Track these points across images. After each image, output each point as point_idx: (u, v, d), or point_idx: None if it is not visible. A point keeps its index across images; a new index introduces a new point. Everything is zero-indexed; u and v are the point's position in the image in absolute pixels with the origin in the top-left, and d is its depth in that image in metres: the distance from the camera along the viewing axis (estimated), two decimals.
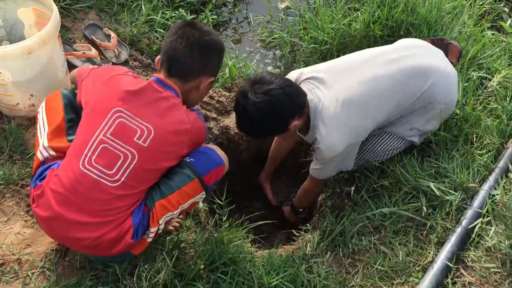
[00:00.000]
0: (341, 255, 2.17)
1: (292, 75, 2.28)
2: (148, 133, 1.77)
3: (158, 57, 1.95)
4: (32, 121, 2.57)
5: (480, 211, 2.07)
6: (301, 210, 2.67)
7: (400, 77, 2.17)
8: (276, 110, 2.03)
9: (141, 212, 1.83)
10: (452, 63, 2.67)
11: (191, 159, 1.86)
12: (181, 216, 2.23)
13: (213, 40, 1.91)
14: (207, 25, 2.03)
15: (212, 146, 1.99)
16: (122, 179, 1.76)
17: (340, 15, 3.10)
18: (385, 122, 2.26)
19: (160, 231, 1.90)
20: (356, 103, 2.11)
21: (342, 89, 2.13)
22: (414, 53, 2.27)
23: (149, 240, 1.89)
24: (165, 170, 1.86)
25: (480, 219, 2.05)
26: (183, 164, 1.86)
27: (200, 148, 1.92)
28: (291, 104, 2.05)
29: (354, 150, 2.22)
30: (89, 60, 2.89)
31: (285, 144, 2.70)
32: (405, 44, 2.37)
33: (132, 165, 1.76)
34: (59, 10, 2.45)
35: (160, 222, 1.84)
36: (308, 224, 2.46)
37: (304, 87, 2.18)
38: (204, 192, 1.89)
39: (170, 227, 2.14)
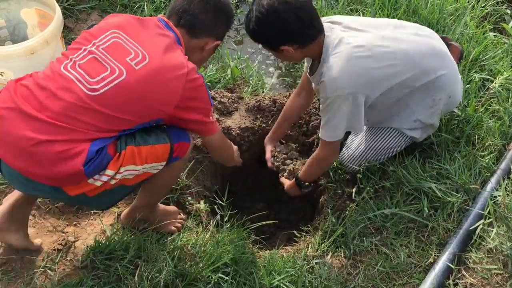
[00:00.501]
0: (342, 256, 2.16)
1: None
2: (142, 58, 1.66)
3: (170, 6, 1.89)
4: None
5: (482, 212, 2.07)
6: (306, 184, 2.44)
7: (420, 50, 2.14)
8: (272, 23, 1.97)
9: (104, 150, 1.62)
10: None
11: (167, 128, 1.82)
12: (183, 216, 2.23)
13: (226, 3, 1.93)
14: None
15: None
16: (101, 90, 1.60)
17: None
18: (392, 98, 2.18)
19: (112, 183, 1.67)
20: (375, 53, 2.05)
21: (364, 36, 2.08)
22: (434, 37, 2.28)
23: (96, 183, 1.64)
24: (143, 121, 1.71)
25: (482, 221, 2.05)
26: (160, 128, 1.80)
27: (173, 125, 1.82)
28: (288, 30, 1.98)
29: (359, 108, 2.09)
30: None
31: (298, 102, 2.59)
32: (424, 27, 2.36)
33: (116, 81, 1.62)
34: (62, 11, 2.47)
35: (121, 170, 1.65)
36: (309, 225, 2.46)
37: (325, 25, 2.10)
38: (165, 162, 1.79)
39: (172, 228, 2.14)
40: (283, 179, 2.60)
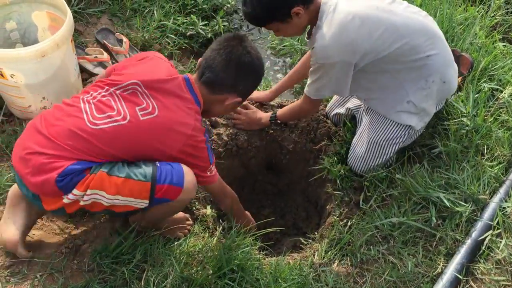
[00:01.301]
0: (349, 264, 2.16)
1: None
2: (151, 111, 1.79)
3: (201, 59, 1.98)
4: None
5: (491, 223, 2.06)
6: (278, 122, 2.69)
7: (412, 25, 2.18)
8: None
9: (81, 171, 1.72)
10: (463, 75, 2.67)
11: (161, 164, 1.79)
12: (190, 222, 2.23)
13: (253, 62, 1.93)
14: (255, 46, 2.03)
15: (186, 168, 1.83)
16: (99, 127, 1.75)
17: None
18: (382, 66, 2.21)
19: (79, 205, 1.75)
20: (367, 21, 2.10)
21: (358, 6, 2.13)
22: (430, 19, 2.31)
23: (65, 200, 1.73)
24: (134, 160, 1.81)
25: (490, 231, 2.04)
26: (152, 163, 1.79)
27: (174, 163, 1.82)
28: None
29: (347, 74, 2.18)
30: (101, 64, 2.91)
31: (303, 71, 2.65)
32: (423, 11, 2.39)
33: (117, 123, 1.76)
34: (72, 14, 2.47)
35: (88, 193, 1.71)
36: (316, 233, 2.45)
37: None
38: (147, 201, 1.76)
39: (179, 233, 2.14)
40: (259, 112, 2.73)
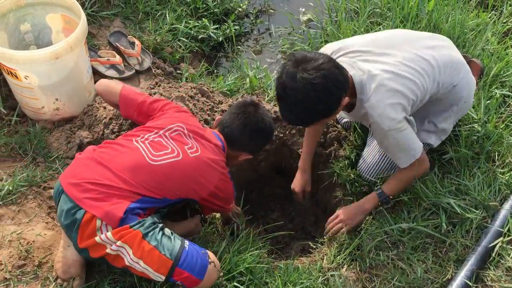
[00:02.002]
0: (358, 269, 2.15)
1: (325, 51, 2.18)
2: (196, 150, 2.01)
3: (219, 117, 2.28)
4: (55, 124, 2.62)
5: (501, 230, 2.05)
6: (390, 198, 2.28)
7: (440, 63, 2.14)
8: (333, 85, 1.87)
9: (135, 213, 1.83)
10: None
11: (190, 246, 1.83)
12: (199, 229, 2.23)
13: (265, 128, 2.21)
14: (267, 111, 2.31)
15: (212, 265, 1.85)
16: (159, 162, 1.92)
17: (362, 29, 3.11)
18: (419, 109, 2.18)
19: (105, 251, 1.78)
20: (403, 77, 2.03)
21: (387, 64, 2.06)
22: (448, 45, 2.28)
23: (96, 239, 1.77)
24: (180, 196, 1.97)
25: (501, 238, 2.03)
26: (181, 239, 1.84)
27: (202, 250, 1.86)
28: (343, 77, 1.92)
29: (413, 123, 2.09)
30: (113, 66, 2.94)
31: (316, 134, 2.58)
32: (438, 35, 2.36)
33: (172, 159, 1.95)
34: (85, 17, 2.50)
35: (118, 244, 1.75)
36: (324, 237, 2.45)
37: (344, 62, 2.06)
38: (163, 277, 1.78)
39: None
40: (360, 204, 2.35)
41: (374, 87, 2.01)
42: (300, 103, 1.90)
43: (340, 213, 2.30)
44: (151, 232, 1.80)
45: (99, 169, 1.89)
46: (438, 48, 2.21)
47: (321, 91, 1.87)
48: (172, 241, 1.81)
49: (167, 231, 1.86)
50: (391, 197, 2.26)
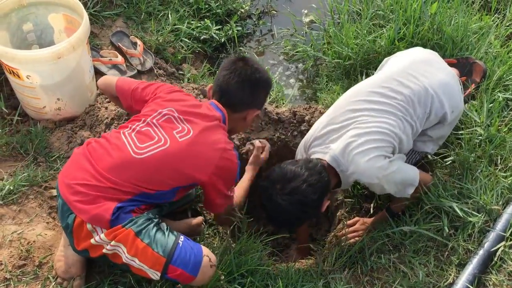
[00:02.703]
0: (359, 272, 2.14)
1: (300, 147, 2.28)
2: (187, 133, 1.89)
3: (210, 85, 2.14)
4: (57, 124, 2.62)
5: (503, 234, 2.04)
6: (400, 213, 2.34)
7: (407, 107, 2.12)
8: (306, 205, 1.96)
9: (127, 211, 1.79)
10: (476, 82, 2.66)
11: (184, 242, 1.80)
12: (200, 229, 2.22)
13: (262, 77, 2.09)
14: (257, 61, 2.17)
15: (207, 260, 1.81)
16: (144, 155, 1.83)
17: (365, 31, 3.11)
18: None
19: (102, 251, 1.77)
20: (368, 133, 2.03)
21: (350, 130, 2.07)
22: (411, 79, 2.20)
23: (92, 241, 1.76)
24: (178, 184, 1.88)
25: (503, 242, 2.02)
26: (175, 234, 1.82)
27: (197, 245, 1.83)
28: (318, 193, 1.97)
29: (401, 159, 2.09)
30: (115, 66, 2.94)
31: None
32: (403, 68, 2.28)
33: (158, 149, 1.85)
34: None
35: (112, 243, 1.74)
36: (326, 239, 2.44)
37: (318, 153, 2.11)
38: (159, 275, 1.76)
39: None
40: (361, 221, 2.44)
41: (346, 156, 2.02)
42: (279, 219, 2.04)
43: (360, 225, 2.39)
44: (145, 230, 1.77)
45: (88, 168, 1.83)
46: (392, 98, 2.14)
47: (295, 213, 1.97)
48: (166, 237, 1.78)
49: (163, 225, 1.84)
50: (399, 213, 2.31)
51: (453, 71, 2.42)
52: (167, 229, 1.83)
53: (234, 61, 2.08)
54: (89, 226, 1.76)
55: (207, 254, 1.81)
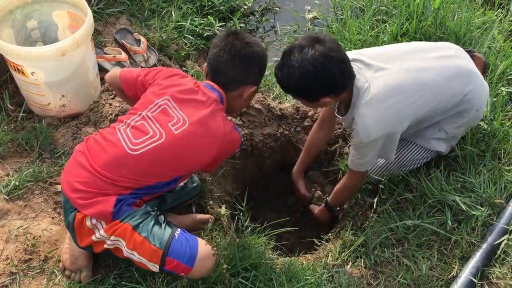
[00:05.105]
0: (362, 266, 2.15)
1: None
2: (182, 123, 1.85)
3: (205, 65, 2.05)
4: (62, 121, 2.63)
5: (507, 227, 2.04)
6: (337, 208, 2.53)
7: (445, 74, 2.13)
8: (318, 78, 1.93)
9: (129, 203, 1.81)
10: None
11: (180, 235, 1.81)
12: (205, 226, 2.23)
13: (254, 51, 1.98)
14: (250, 35, 2.09)
15: (203, 251, 1.82)
16: (140, 151, 1.81)
17: (368, 27, 3.11)
18: (422, 120, 2.19)
19: (106, 246, 1.80)
20: (403, 91, 2.04)
21: (390, 74, 2.06)
22: (457, 54, 2.26)
23: (93, 238, 1.79)
24: (176, 175, 1.89)
25: (507, 236, 2.02)
26: (172, 226, 1.84)
27: (193, 238, 1.84)
28: (334, 83, 1.97)
29: (393, 142, 2.13)
30: (119, 63, 2.95)
31: (321, 135, 2.61)
32: (448, 44, 2.34)
33: (154, 144, 1.82)
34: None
35: (112, 238, 1.77)
36: (329, 234, 2.45)
37: (359, 68, 2.11)
38: (158, 267, 1.78)
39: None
40: (312, 206, 2.68)
41: (369, 98, 2.02)
42: (287, 69, 1.97)
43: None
44: (142, 223, 1.78)
45: (85, 165, 1.84)
46: (447, 58, 2.20)
47: (306, 73, 1.92)
48: (163, 230, 1.79)
49: (161, 218, 1.85)
50: (338, 208, 2.52)
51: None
52: (164, 221, 1.84)
53: (224, 37, 1.99)
54: (88, 223, 1.79)
55: (203, 247, 1.82)
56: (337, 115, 2.28)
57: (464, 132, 2.34)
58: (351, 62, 2.06)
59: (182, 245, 1.78)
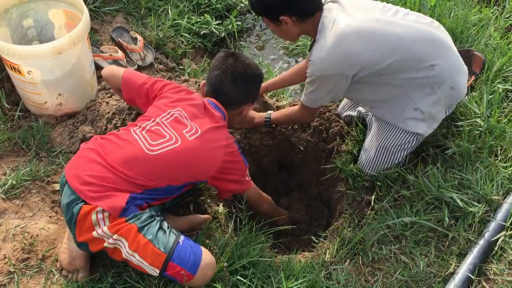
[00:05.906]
0: (360, 263, 2.16)
1: None
2: (195, 131, 1.95)
3: (203, 82, 2.20)
4: (58, 119, 2.63)
5: (504, 224, 2.05)
6: (273, 125, 2.70)
7: (412, 34, 2.16)
8: None
9: (137, 204, 1.83)
10: (475, 73, 2.66)
11: (184, 241, 1.83)
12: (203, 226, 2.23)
13: (254, 72, 2.16)
14: (246, 55, 2.28)
15: (203, 260, 1.82)
16: (157, 152, 1.87)
17: None
18: (385, 77, 2.21)
19: (102, 245, 1.79)
20: (363, 35, 2.11)
21: (358, 19, 2.13)
22: (436, 26, 2.30)
23: (94, 234, 1.77)
24: (187, 180, 1.96)
25: (503, 232, 2.03)
26: (176, 233, 1.84)
27: (197, 246, 1.86)
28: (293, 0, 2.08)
29: (344, 85, 2.22)
30: (115, 62, 2.94)
31: (300, 70, 2.67)
32: (433, 20, 2.36)
33: (171, 147, 1.89)
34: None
35: (114, 237, 1.76)
36: (327, 231, 2.46)
37: (327, 5, 2.20)
38: (158, 272, 1.78)
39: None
40: (252, 112, 2.70)
41: (330, 34, 2.11)
42: None
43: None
44: (148, 226, 1.79)
45: (99, 161, 1.86)
46: (422, 24, 2.23)
47: None
48: (167, 236, 1.80)
49: (165, 224, 1.86)
50: (273, 125, 2.69)
51: None
52: (168, 228, 1.85)
53: (224, 58, 2.12)
54: (94, 217, 1.77)
55: (207, 255, 1.85)
56: (307, 52, 2.35)
57: (443, 113, 2.34)
58: (331, 2, 2.19)
59: (186, 252, 1.79)
